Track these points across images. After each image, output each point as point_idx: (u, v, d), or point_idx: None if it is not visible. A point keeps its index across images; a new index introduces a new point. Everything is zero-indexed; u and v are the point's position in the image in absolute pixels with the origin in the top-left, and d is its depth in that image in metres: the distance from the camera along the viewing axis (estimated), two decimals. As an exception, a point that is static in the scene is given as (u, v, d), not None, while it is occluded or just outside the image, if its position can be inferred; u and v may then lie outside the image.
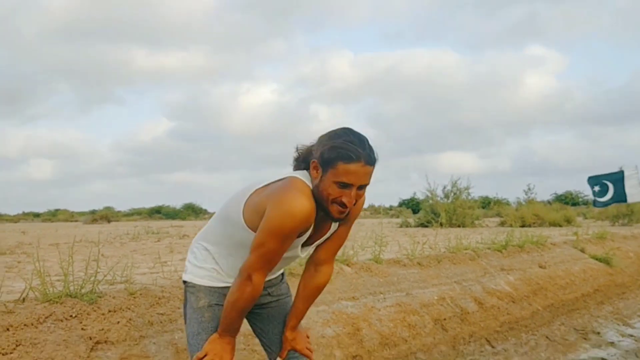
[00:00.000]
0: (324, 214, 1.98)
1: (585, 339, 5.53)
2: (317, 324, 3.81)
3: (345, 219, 2.09)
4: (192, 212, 40.33)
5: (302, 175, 2.02)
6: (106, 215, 29.51)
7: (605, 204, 12.56)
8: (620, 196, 12.63)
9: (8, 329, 2.63)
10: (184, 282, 2.21)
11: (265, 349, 2.36)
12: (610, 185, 12.93)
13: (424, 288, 5.03)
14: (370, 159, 1.92)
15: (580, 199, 35.37)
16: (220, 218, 2.19)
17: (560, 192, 35.30)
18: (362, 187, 1.93)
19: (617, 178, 12.98)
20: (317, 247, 2.21)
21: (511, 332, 5.11)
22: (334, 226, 2.14)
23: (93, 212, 36.39)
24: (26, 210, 44.30)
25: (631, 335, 5.94)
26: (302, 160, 2.08)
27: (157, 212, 40.78)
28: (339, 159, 1.88)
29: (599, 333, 5.80)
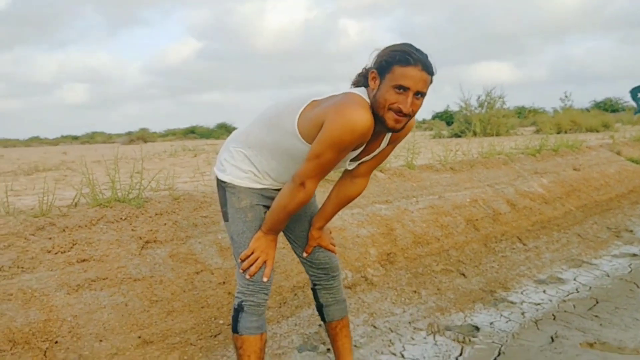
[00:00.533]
0: (380, 126, 2.03)
1: (617, 236, 5.61)
2: (352, 225, 3.97)
3: (396, 138, 2.20)
4: (226, 131, 40.67)
5: (360, 91, 2.08)
6: (142, 136, 30.06)
7: None
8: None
9: (64, 230, 2.84)
10: (222, 182, 2.31)
11: (290, 243, 2.53)
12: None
13: (457, 191, 5.12)
14: (427, 66, 1.97)
15: (620, 106, 34.34)
16: (268, 124, 2.24)
17: (599, 99, 34.28)
18: (418, 95, 1.98)
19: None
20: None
21: (543, 231, 5.21)
22: (384, 144, 2.21)
23: (129, 133, 37.05)
24: (64, 134, 45.35)
25: (665, 233, 6.00)
26: (362, 77, 2.12)
27: (192, 132, 41.27)
28: (396, 62, 1.94)
29: (631, 231, 5.87)
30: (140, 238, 3.01)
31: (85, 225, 2.90)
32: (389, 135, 2.19)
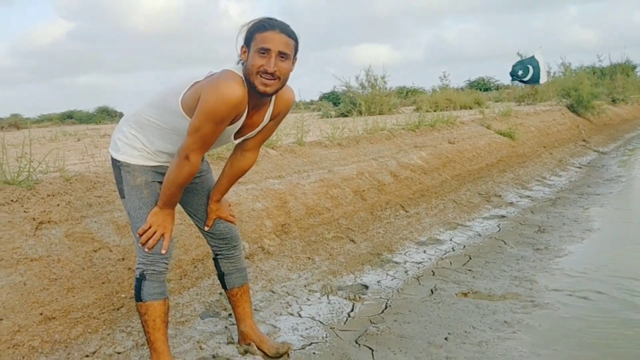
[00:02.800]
0: (254, 92, 2.18)
1: (488, 201, 6.21)
2: (247, 199, 4.12)
3: (277, 114, 2.38)
4: (107, 115, 38.81)
5: (236, 68, 2.23)
6: (15, 123, 27.97)
7: (524, 83, 13.67)
8: (535, 77, 13.57)
9: (-48, 215, 2.75)
10: (117, 161, 2.40)
11: (191, 217, 2.67)
12: (531, 68, 13.84)
13: (344, 165, 5.42)
14: (284, 28, 2.16)
15: (492, 84, 36.74)
16: (157, 105, 2.37)
17: (473, 78, 36.44)
18: (282, 56, 2.15)
19: (534, 61, 13.87)
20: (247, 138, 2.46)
21: (422, 199, 5.66)
22: (266, 119, 2.38)
23: (-1, 120, 34.36)
24: None
25: (528, 197, 6.70)
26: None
27: (70, 117, 38.93)
28: (255, 31, 2.14)
29: (500, 196, 6.51)
30: (34, 219, 2.98)
31: (-26, 208, 2.83)
32: (270, 109, 2.37)
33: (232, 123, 2.24)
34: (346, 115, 15.31)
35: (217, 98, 2.11)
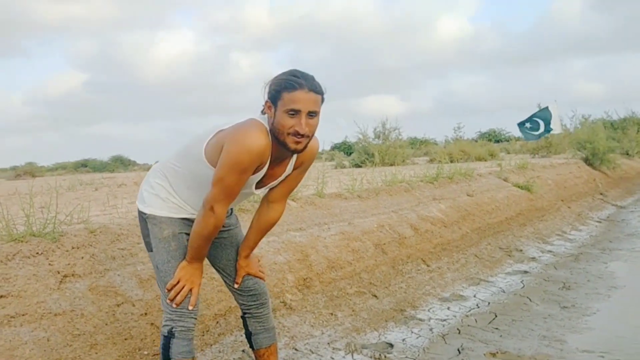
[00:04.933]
0: (283, 148, 2.17)
1: (509, 255, 6.11)
2: (268, 252, 4.08)
3: (301, 163, 2.35)
4: (121, 164, 39.30)
5: (261, 117, 2.22)
6: (30, 170, 28.40)
7: (539, 137, 13.58)
8: (548, 130, 13.59)
9: (-22, 267, 2.74)
10: (144, 213, 2.36)
11: (219, 273, 2.61)
12: (541, 122, 13.86)
13: (365, 217, 5.39)
14: (313, 86, 2.13)
15: (503, 136, 36.92)
16: (182, 155, 2.36)
17: (483, 130, 36.69)
18: (311, 115, 2.13)
19: (545, 114, 13.90)
20: (272, 189, 2.44)
21: (444, 252, 5.59)
22: (289, 169, 2.35)
23: (14, 168, 34.86)
24: (-60, 170, 41.85)
25: (550, 251, 6.60)
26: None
27: (84, 166, 39.46)
28: (283, 89, 2.09)
29: (521, 250, 6.41)
30: (58, 272, 2.95)
31: (1, 261, 2.81)
32: (293, 159, 2.34)
33: (254, 172, 2.22)
34: (360, 166, 15.42)
35: (240, 147, 2.10)
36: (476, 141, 23.68)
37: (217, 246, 2.53)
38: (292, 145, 2.13)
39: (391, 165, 15.16)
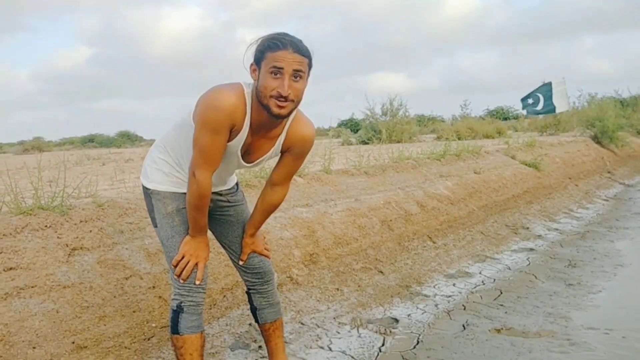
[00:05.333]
0: (267, 114, 2.06)
1: (515, 233, 6.11)
2: (275, 228, 4.09)
3: (290, 146, 2.27)
4: (128, 139, 39.37)
5: (244, 83, 2.15)
6: (38, 145, 28.55)
7: (537, 113, 13.40)
8: (549, 106, 13.41)
9: (-13, 239, 2.76)
10: (147, 189, 2.35)
11: (225, 249, 2.61)
12: (541, 97, 13.69)
13: (371, 194, 5.38)
14: (297, 47, 2.03)
15: (511, 114, 36.66)
16: (179, 125, 2.31)
17: (491, 107, 36.42)
18: (296, 77, 2.03)
19: (546, 90, 13.72)
20: (272, 171, 2.43)
21: (450, 230, 5.59)
22: (277, 146, 2.29)
23: (22, 142, 35.00)
24: (-51, 143, 42.11)
25: (556, 229, 6.59)
26: None
27: (90, 141, 39.58)
28: (267, 50, 2.02)
29: (528, 228, 6.40)
30: (67, 245, 2.97)
31: (10, 234, 2.83)
32: (282, 138, 2.26)
33: (232, 138, 2.15)
34: (367, 143, 15.36)
35: (207, 105, 2.06)
36: (483, 119, 23.52)
37: (222, 222, 2.53)
38: (275, 110, 2.03)
39: (398, 142, 15.11)
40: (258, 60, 2.06)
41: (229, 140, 2.16)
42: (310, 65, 2.10)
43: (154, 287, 3.09)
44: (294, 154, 2.36)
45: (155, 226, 2.36)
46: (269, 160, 2.45)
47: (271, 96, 2.01)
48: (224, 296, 3.37)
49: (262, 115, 2.11)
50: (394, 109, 16.98)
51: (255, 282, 2.57)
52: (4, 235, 2.81)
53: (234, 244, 2.55)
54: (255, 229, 2.56)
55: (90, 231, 3.17)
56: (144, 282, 3.08)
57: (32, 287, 2.64)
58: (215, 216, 2.49)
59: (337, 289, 3.90)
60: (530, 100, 13.89)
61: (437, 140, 15.88)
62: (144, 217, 3.48)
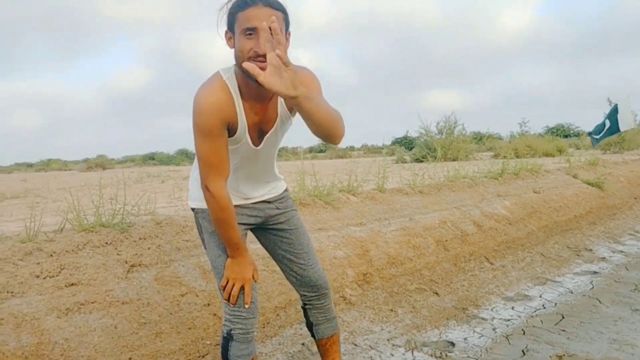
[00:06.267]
0: (253, 83, 1.79)
1: (578, 255, 5.87)
2: (328, 247, 4.08)
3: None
4: (186, 157, 40.50)
5: (221, 70, 2.00)
6: (101, 163, 29.72)
7: (600, 139, 12.94)
8: (613, 128, 12.93)
9: (52, 255, 2.86)
10: (192, 208, 2.29)
11: (279, 263, 2.44)
12: (607, 122, 13.20)
13: (426, 213, 5.30)
14: (268, 2, 1.87)
15: (572, 131, 35.67)
16: None
17: (551, 124, 35.53)
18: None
19: (612, 113, 13.24)
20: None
21: (508, 251, 5.43)
22: (281, 109, 2.09)
23: (86, 160, 36.51)
24: (18, 161, 44.39)
25: (621, 252, 6.29)
26: None
27: (151, 159, 40.91)
28: (236, 11, 1.88)
29: (591, 250, 6.14)
30: (126, 262, 3.05)
31: (72, 250, 2.93)
32: (281, 100, 2.06)
33: (233, 133, 2.01)
34: (421, 161, 15.23)
35: (194, 111, 1.92)
36: (543, 136, 22.93)
37: (275, 233, 2.40)
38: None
39: (454, 160, 14.92)
40: (231, 24, 1.91)
41: (231, 135, 2.01)
42: (287, 21, 1.94)
43: (208, 304, 3.12)
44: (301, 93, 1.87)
45: (205, 247, 2.29)
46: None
47: (249, 58, 1.83)
48: (277, 315, 3.37)
49: (251, 89, 1.96)
50: (450, 127, 16.82)
51: (311, 296, 2.47)
52: (66, 251, 2.91)
53: (288, 255, 2.40)
54: None
55: (149, 248, 3.24)
56: (199, 299, 3.12)
57: (92, 302, 2.72)
58: (266, 227, 2.39)
59: (391, 310, 3.84)
60: (596, 136, 13.42)
61: (494, 158, 15.59)
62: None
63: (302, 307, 2.54)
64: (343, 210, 4.70)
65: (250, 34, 1.84)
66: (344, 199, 4.92)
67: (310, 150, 42.29)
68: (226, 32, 1.95)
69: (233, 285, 2.14)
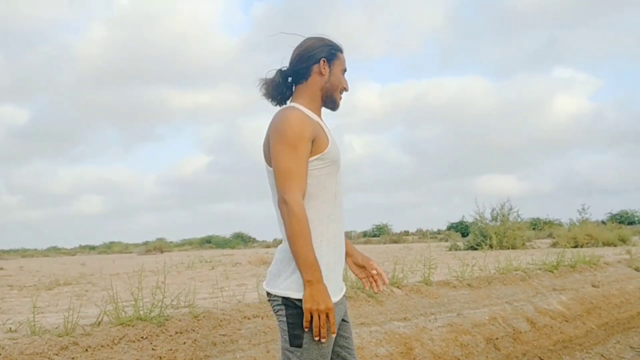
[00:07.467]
0: (326, 107, 2.19)
1: (642, 357, 5.46)
2: (370, 343, 3.94)
3: None
4: (241, 240, 40.96)
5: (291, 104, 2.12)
6: (159, 246, 30.41)
7: None
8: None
9: (87, 350, 2.87)
10: (287, 298, 1.91)
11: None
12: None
13: (475, 308, 5.09)
14: None
15: (637, 217, 34.25)
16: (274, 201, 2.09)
17: (615, 211, 34.23)
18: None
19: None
20: None
21: (565, 351, 5.10)
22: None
23: (146, 243, 37.46)
24: (82, 244, 45.90)
25: (692, 354, 5.82)
26: (281, 88, 2.16)
27: (208, 242, 41.53)
28: (338, 50, 2.20)
29: (657, 351, 5.71)
30: (160, 358, 3.03)
31: (108, 345, 2.94)
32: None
33: (324, 147, 2.00)
34: (475, 249, 14.84)
35: (283, 126, 1.96)
36: (604, 223, 22.07)
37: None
38: (340, 103, 2.20)
39: (510, 248, 14.47)
40: (331, 57, 2.18)
41: (322, 149, 2.01)
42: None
43: (241, 404, 3.03)
44: None
45: (298, 346, 1.89)
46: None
47: (341, 90, 2.19)
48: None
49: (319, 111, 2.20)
50: (505, 214, 16.46)
51: None
52: (101, 346, 2.91)
53: (344, 352, 2.05)
54: (349, 245, 2.22)
55: (184, 343, 3.21)
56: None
57: (123, 400, 2.68)
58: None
59: (435, 416, 3.62)
60: None
61: (552, 246, 15.03)
62: (237, 329, 3.50)
63: None
64: (387, 304, 4.57)
65: (344, 73, 2.22)
66: (387, 292, 4.80)
67: (364, 234, 41.99)
68: (324, 61, 2.16)
69: (319, 318, 1.84)
